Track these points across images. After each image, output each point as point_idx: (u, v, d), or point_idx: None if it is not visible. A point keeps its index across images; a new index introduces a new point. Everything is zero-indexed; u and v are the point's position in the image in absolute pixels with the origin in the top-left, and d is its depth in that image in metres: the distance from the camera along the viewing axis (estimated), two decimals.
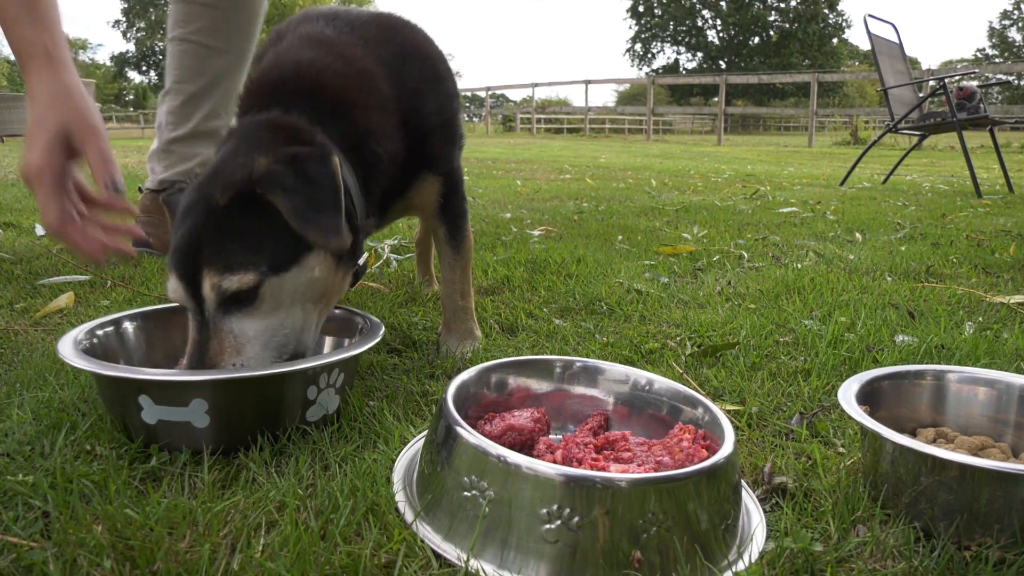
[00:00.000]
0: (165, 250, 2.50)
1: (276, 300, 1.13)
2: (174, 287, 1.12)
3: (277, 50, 1.38)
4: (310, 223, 1.10)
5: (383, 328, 1.27)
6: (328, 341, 1.40)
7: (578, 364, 1.18)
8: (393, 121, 1.36)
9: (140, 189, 2.63)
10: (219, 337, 1.11)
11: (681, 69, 53.95)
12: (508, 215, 3.74)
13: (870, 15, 6.34)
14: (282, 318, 1.15)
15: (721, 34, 52.78)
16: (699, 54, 53.67)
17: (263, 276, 1.10)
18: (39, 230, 2.89)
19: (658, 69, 54.98)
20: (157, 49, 56.50)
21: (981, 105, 5.77)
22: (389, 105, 1.36)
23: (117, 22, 57.30)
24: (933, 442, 1.07)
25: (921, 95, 6.34)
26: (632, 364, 1.42)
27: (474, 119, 29.68)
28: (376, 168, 1.32)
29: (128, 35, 57.55)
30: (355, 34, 1.41)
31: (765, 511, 0.94)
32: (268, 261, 1.11)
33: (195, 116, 2.50)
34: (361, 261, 1.32)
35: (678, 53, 54.61)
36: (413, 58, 1.44)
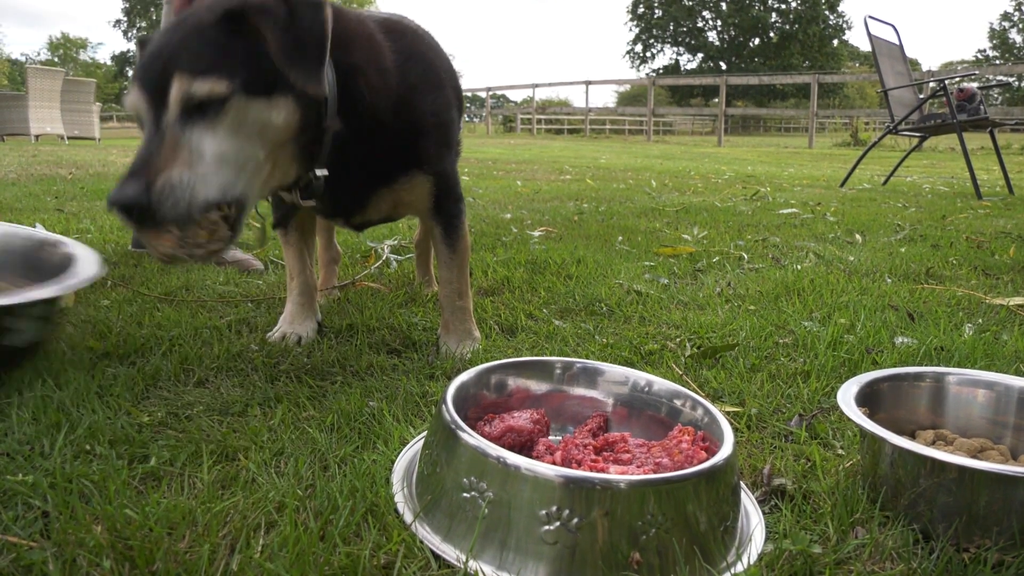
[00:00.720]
0: None
1: (237, 123, 1.10)
2: (134, 95, 1.08)
3: None
4: (294, 62, 1.09)
5: (98, 266, 1.25)
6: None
7: (578, 365, 1.18)
8: (389, 89, 1.36)
9: None
10: (174, 144, 1.06)
11: (681, 70, 53.99)
12: (508, 216, 3.74)
13: (870, 16, 6.35)
14: (238, 147, 1.12)
15: (722, 35, 52.79)
16: (699, 55, 53.69)
17: (234, 89, 1.08)
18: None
19: (658, 70, 55.02)
20: None
21: (981, 107, 5.77)
22: (389, 76, 1.36)
23: (118, 21, 57.37)
24: (932, 444, 1.07)
25: (921, 96, 6.34)
26: (632, 365, 1.43)
27: (475, 119, 29.70)
28: (357, 105, 1.30)
29: (129, 35, 57.58)
30: (372, 21, 1.43)
31: (764, 513, 0.94)
32: (241, 79, 1.09)
33: None
34: (318, 174, 1.30)
35: (678, 54, 54.62)
36: (417, 60, 1.46)
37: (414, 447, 1.07)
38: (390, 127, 1.37)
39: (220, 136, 1.10)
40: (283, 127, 1.17)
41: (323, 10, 1.14)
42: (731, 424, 0.98)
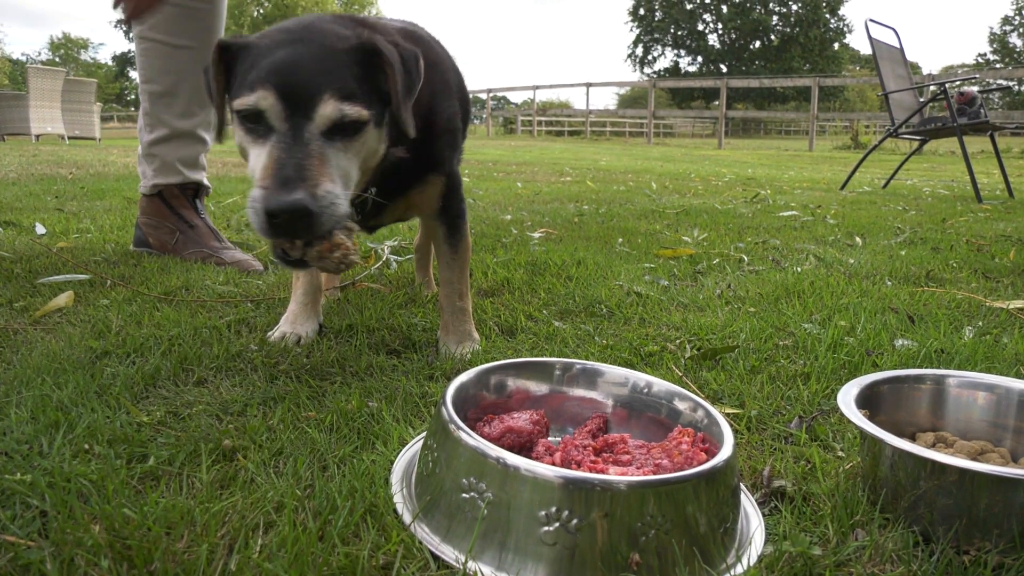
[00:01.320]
0: (164, 250, 2.50)
1: (362, 147, 1.20)
2: (270, 99, 1.12)
3: None
4: (405, 106, 1.21)
5: None
6: None
7: (577, 366, 1.18)
8: (422, 101, 1.41)
9: None
10: (322, 158, 1.13)
11: (681, 73, 53.98)
12: (508, 217, 3.74)
13: (871, 20, 6.35)
14: (357, 166, 1.21)
15: (722, 38, 52.81)
16: (699, 58, 53.71)
17: (370, 118, 1.19)
18: (39, 229, 2.89)
19: (659, 72, 55.02)
20: None
21: (982, 110, 5.78)
22: (422, 98, 1.42)
23: (119, 21, 57.38)
24: (932, 446, 1.07)
25: (922, 100, 6.35)
26: (631, 367, 1.42)
27: (475, 121, 29.73)
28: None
29: (130, 35, 57.59)
30: (391, 30, 1.46)
31: (764, 515, 0.94)
32: (372, 107, 1.20)
33: (167, 117, 2.44)
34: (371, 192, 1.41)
35: (679, 56, 54.65)
36: (434, 67, 1.51)
37: (413, 447, 1.07)
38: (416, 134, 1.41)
39: (350, 157, 1.19)
40: (381, 154, 1.29)
41: (420, 60, 1.27)
42: (731, 426, 0.98)
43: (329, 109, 1.13)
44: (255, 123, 1.15)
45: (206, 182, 2.62)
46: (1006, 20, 52.12)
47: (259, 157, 1.14)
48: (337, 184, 1.13)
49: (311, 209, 1.07)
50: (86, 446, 1.04)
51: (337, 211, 1.12)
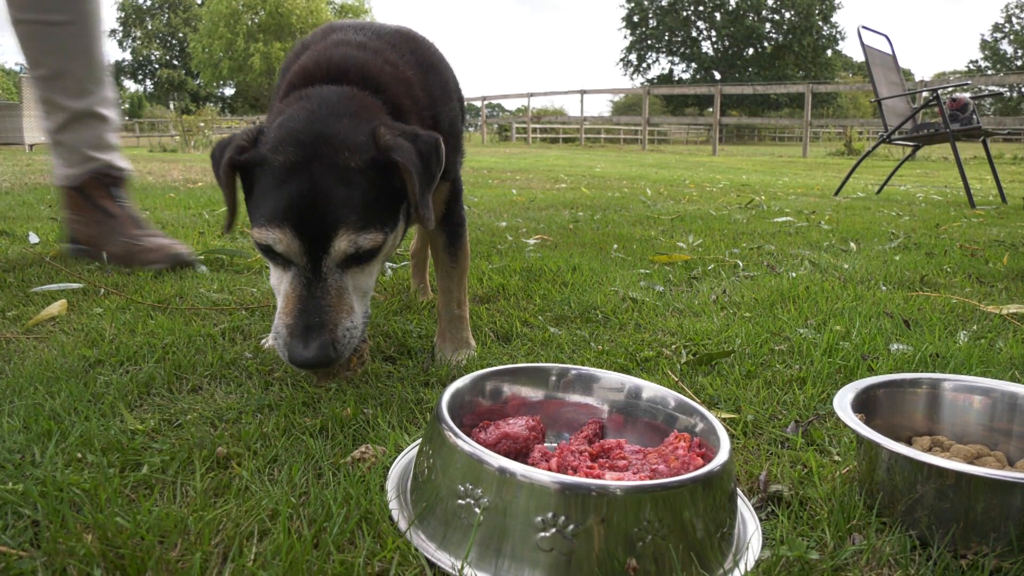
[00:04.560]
0: (94, 245, 2.41)
1: (380, 259, 1.22)
2: (288, 240, 1.12)
3: (317, 49, 1.41)
4: (424, 202, 1.20)
5: None
6: None
7: (573, 372, 1.18)
8: (421, 110, 1.42)
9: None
10: (339, 293, 1.15)
11: (676, 79, 54.18)
12: (504, 224, 3.74)
13: (864, 27, 6.39)
14: (375, 277, 1.24)
15: (716, 45, 53.09)
16: (693, 65, 53.97)
17: (386, 237, 1.19)
18: (33, 238, 2.88)
19: (653, 79, 55.22)
20: (153, 58, 56.68)
21: (974, 116, 5.81)
22: (424, 112, 1.42)
23: (113, 31, 57.42)
24: (929, 450, 1.07)
25: (915, 106, 6.38)
26: (627, 372, 1.42)
27: (470, 129, 29.77)
28: None
29: (124, 44, 57.69)
30: (385, 42, 1.45)
31: (761, 519, 0.94)
32: (387, 223, 1.19)
33: (61, 100, 2.33)
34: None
35: (672, 64, 54.92)
36: (434, 71, 1.51)
37: (409, 454, 1.06)
38: None
39: (367, 275, 1.21)
40: (395, 245, 1.30)
41: (441, 149, 1.25)
42: (727, 430, 0.98)
43: (344, 244, 1.13)
44: (273, 255, 1.17)
45: (120, 163, 2.49)
46: (997, 27, 52.57)
47: (280, 281, 1.18)
48: (356, 312, 1.17)
49: (332, 359, 1.12)
50: (79, 455, 1.03)
51: (355, 340, 1.16)
